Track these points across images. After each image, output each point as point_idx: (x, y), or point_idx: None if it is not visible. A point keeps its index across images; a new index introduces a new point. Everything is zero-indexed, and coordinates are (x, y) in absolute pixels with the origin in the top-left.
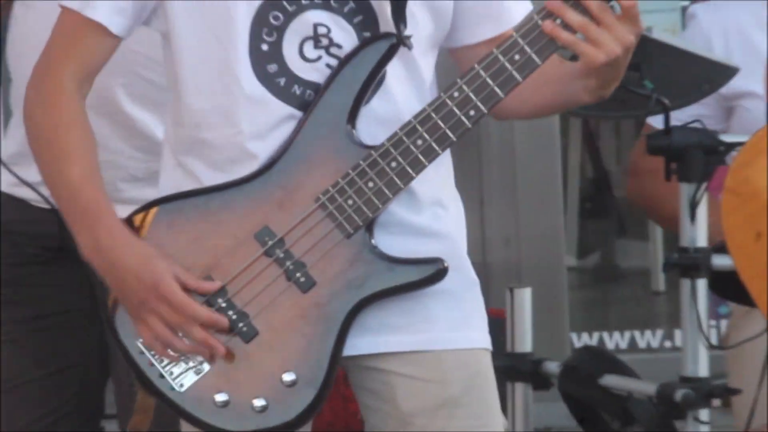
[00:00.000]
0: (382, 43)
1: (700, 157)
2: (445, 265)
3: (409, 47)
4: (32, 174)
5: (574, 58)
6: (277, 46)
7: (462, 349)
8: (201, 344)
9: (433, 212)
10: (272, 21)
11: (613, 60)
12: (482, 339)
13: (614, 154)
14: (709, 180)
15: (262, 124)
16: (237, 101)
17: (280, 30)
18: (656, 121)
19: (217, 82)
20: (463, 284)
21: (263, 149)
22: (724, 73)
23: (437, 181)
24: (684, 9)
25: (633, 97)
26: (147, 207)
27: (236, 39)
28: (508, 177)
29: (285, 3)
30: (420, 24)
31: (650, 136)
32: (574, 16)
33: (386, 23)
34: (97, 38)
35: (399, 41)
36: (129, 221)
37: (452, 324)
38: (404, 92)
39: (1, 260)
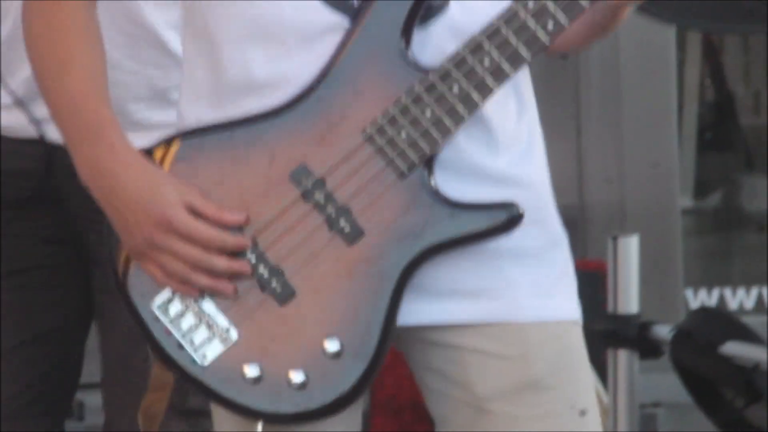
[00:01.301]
0: None
1: None
2: (520, 211)
3: None
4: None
5: None
6: None
7: (548, 320)
8: (227, 273)
9: (513, 154)
10: None
11: None
12: (572, 309)
13: (741, 72)
14: None
15: (308, 32)
16: (283, 10)
17: None
18: None
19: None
20: (548, 242)
21: (305, 64)
22: None
23: (518, 115)
24: None
25: (763, 7)
26: (168, 141)
27: None
28: (611, 101)
29: None
30: None
31: None
32: None
33: None
34: None
35: None
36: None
37: (536, 290)
38: (468, 7)
39: None
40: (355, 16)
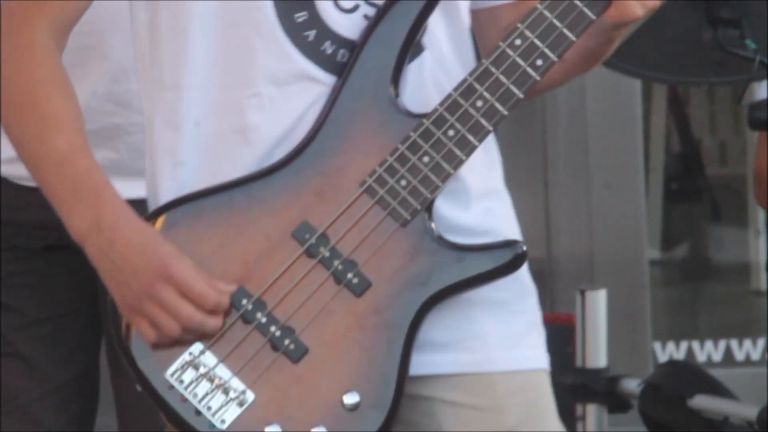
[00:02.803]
0: None
1: None
2: (524, 249)
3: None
4: None
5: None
6: None
7: (518, 370)
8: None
9: (483, 207)
10: None
11: (649, 12)
12: (541, 358)
13: (707, 122)
14: None
15: (284, 85)
16: (255, 55)
17: None
18: (760, 89)
19: (231, 30)
20: (519, 292)
21: (282, 117)
22: None
23: (486, 168)
24: None
25: (732, 60)
26: (154, 215)
27: None
28: (578, 153)
29: None
30: None
31: (753, 107)
32: None
33: None
34: None
35: None
36: None
37: (506, 341)
38: (443, 52)
39: None
40: (330, 67)
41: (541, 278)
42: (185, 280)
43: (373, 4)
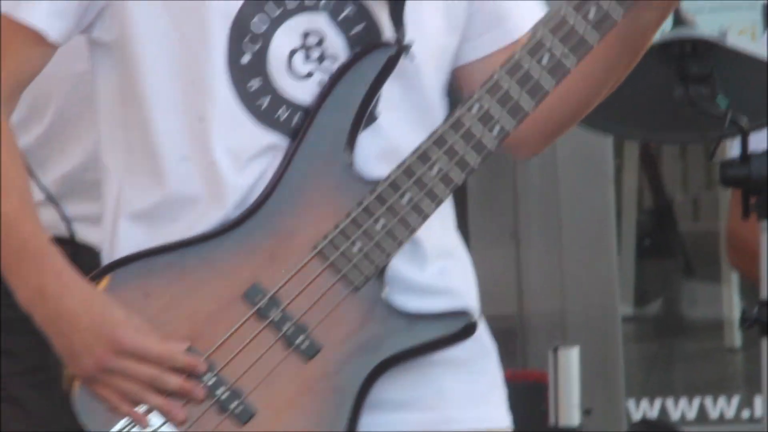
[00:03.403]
0: (379, 53)
1: None
2: (474, 319)
3: (411, 59)
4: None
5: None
6: (260, 58)
7: (481, 430)
8: (180, 393)
9: (439, 266)
10: (255, 27)
11: None
12: (504, 418)
13: (679, 179)
14: None
15: (240, 153)
16: (210, 125)
17: (266, 38)
18: (732, 146)
19: (186, 100)
20: (479, 351)
21: (239, 186)
22: None
23: (441, 226)
24: (765, 6)
25: (703, 117)
26: (101, 273)
27: (211, 48)
28: (550, 209)
29: (272, 3)
30: (429, 30)
31: (725, 164)
32: None
33: (389, 35)
34: (30, 47)
35: (399, 52)
36: None
37: (468, 400)
38: (397, 119)
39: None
40: (285, 132)
41: (513, 335)
42: (138, 347)
43: (326, 71)
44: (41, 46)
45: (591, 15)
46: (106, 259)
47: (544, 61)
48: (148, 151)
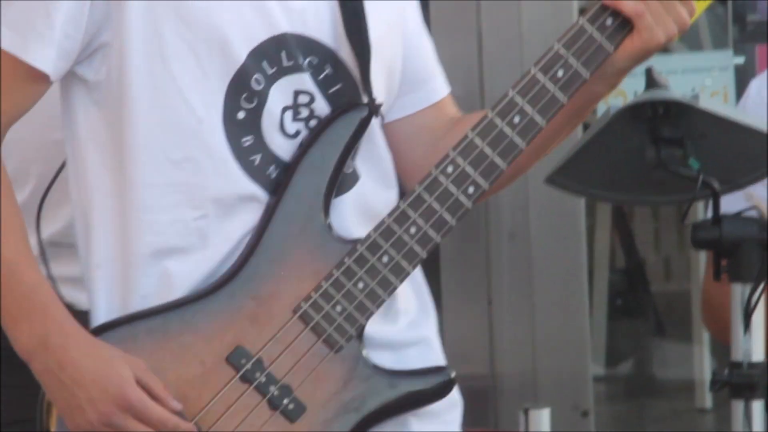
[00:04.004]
0: (353, 114)
1: (756, 253)
2: (453, 375)
3: (382, 119)
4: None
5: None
6: (255, 116)
7: None
8: None
9: (408, 317)
10: (254, 84)
11: (668, 42)
12: None
13: (651, 238)
14: (766, 280)
15: (231, 206)
16: (204, 178)
17: (261, 96)
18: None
19: (178, 152)
20: (448, 404)
21: (228, 239)
22: None
23: (411, 281)
24: (737, 67)
25: (674, 179)
26: (102, 329)
27: (209, 104)
28: (522, 269)
29: (266, 62)
30: (379, 89)
31: (696, 226)
32: None
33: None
34: (31, 85)
35: (372, 112)
36: None
37: None
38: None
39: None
40: (273, 189)
41: (484, 396)
42: (144, 408)
43: (311, 130)
44: (43, 84)
45: (559, 75)
46: (92, 320)
47: (516, 120)
48: (133, 198)
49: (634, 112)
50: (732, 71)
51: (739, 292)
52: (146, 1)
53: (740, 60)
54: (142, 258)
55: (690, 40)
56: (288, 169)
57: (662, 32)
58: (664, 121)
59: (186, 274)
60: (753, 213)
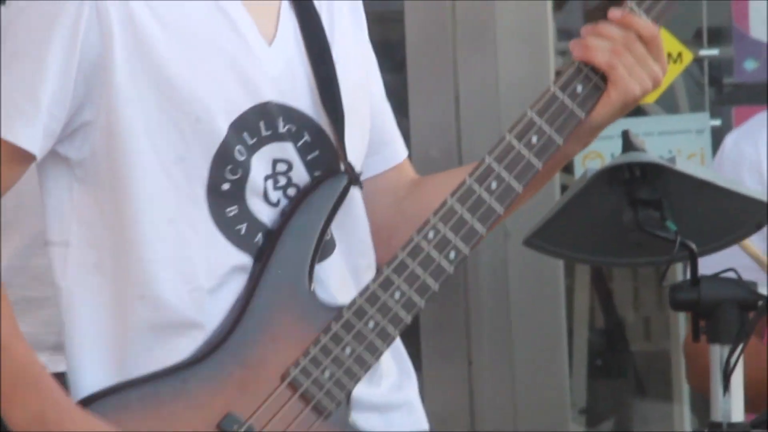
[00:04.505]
0: (334, 182)
1: (734, 314)
2: None
3: (362, 186)
4: None
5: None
6: (240, 186)
7: None
8: None
9: (391, 379)
10: (237, 155)
11: (643, 96)
12: None
13: (630, 298)
14: (744, 341)
15: (220, 276)
16: (190, 251)
17: (245, 167)
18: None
19: (167, 226)
20: None
21: (220, 308)
22: (763, 212)
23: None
24: (714, 129)
25: (652, 241)
26: (93, 399)
27: (194, 175)
28: (502, 329)
29: (247, 133)
30: (358, 156)
31: (674, 287)
32: (599, 42)
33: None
34: (17, 164)
35: (352, 180)
36: None
37: None
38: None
39: None
40: (258, 256)
41: None
42: None
43: (289, 198)
44: (27, 164)
45: (533, 141)
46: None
47: (493, 186)
48: (128, 274)
49: (612, 174)
50: (709, 133)
51: (717, 353)
52: (129, 78)
53: (717, 122)
54: (138, 333)
55: (666, 102)
56: (271, 237)
57: (637, 85)
58: (642, 183)
59: (183, 347)
60: (731, 274)
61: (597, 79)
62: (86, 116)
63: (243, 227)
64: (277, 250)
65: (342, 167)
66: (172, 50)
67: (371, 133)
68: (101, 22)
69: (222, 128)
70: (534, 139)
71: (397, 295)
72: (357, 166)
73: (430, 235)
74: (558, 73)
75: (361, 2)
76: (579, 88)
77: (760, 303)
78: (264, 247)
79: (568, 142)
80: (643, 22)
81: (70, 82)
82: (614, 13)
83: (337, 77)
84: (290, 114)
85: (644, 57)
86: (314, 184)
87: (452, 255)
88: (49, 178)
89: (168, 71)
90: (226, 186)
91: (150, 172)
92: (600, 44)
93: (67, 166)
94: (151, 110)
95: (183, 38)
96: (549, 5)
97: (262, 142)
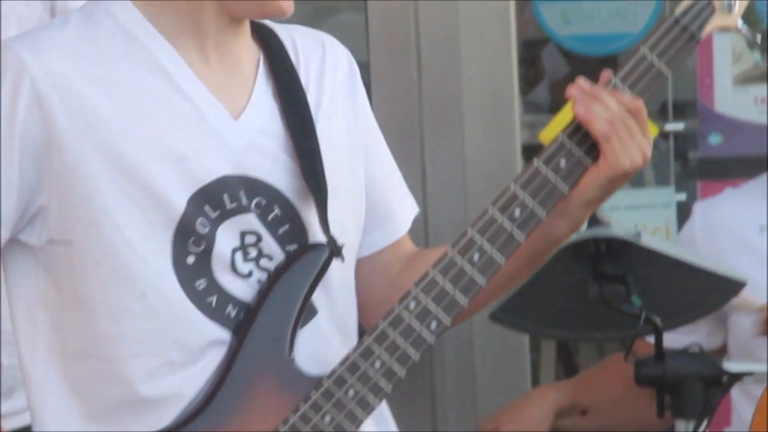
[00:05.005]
0: (316, 254)
1: (699, 389)
2: None
3: (342, 259)
4: None
5: None
6: (205, 258)
7: None
8: None
9: None
10: (199, 228)
11: (632, 172)
12: None
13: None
14: (710, 416)
15: (194, 349)
16: (165, 324)
17: (208, 239)
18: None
19: (136, 301)
20: None
21: (192, 383)
22: (728, 287)
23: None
24: (679, 204)
25: (618, 316)
26: None
27: (158, 249)
28: (466, 404)
29: (209, 206)
30: (347, 229)
31: (639, 363)
32: (600, 109)
33: (315, 235)
34: None
35: (333, 252)
36: None
37: None
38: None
39: None
40: (236, 329)
41: None
42: None
43: (264, 269)
44: None
45: (516, 214)
46: None
47: (476, 258)
48: (94, 353)
49: (577, 249)
50: (674, 208)
51: (683, 428)
52: (79, 157)
53: (682, 196)
54: (107, 410)
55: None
56: (251, 310)
57: (628, 159)
58: (607, 258)
59: (154, 421)
60: (695, 349)
61: (581, 154)
62: (41, 201)
63: (213, 300)
64: (256, 323)
65: (325, 239)
66: (124, 127)
67: (370, 209)
68: (41, 105)
69: (180, 202)
70: (517, 213)
71: (377, 364)
72: (340, 240)
73: (411, 305)
74: (540, 150)
75: (359, 76)
76: (562, 163)
77: (725, 379)
78: (243, 319)
79: (557, 219)
80: (629, 97)
81: (14, 169)
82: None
83: (320, 152)
84: (257, 187)
85: (635, 131)
86: (296, 256)
87: (433, 325)
88: (15, 265)
89: (120, 147)
90: (191, 259)
91: (112, 250)
92: (599, 111)
93: (31, 253)
94: (107, 187)
95: (135, 115)
96: (515, 80)
97: (226, 215)
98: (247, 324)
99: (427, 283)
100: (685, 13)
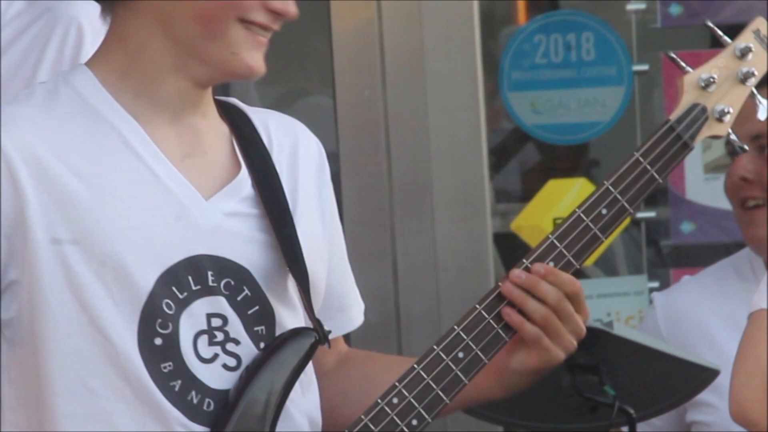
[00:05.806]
0: (301, 340)
1: None
2: None
3: (329, 345)
4: None
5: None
6: (173, 341)
7: None
8: None
9: None
10: (166, 309)
11: (567, 355)
12: None
13: None
14: None
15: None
16: (126, 406)
17: (174, 321)
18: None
19: (98, 380)
20: None
21: None
22: (702, 376)
23: None
24: (652, 292)
25: (591, 406)
26: None
27: (124, 329)
28: None
29: (175, 288)
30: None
31: None
32: (535, 305)
33: (281, 318)
34: None
35: (320, 338)
36: None
37: None
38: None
39: None
40: (208, 419)
41: None
42: None
43: (230, 354)
44: None
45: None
46: None
47: (460, 356)
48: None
49: None
50: (647, 296)
51: None
52: (46, 233)
53: (655, 284)
54: None
55: (605, 264)
56: (231, 399)
57: (561, 350)
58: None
59: None
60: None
61: (500, 327)
62: (11, 275)
63: (177, 383)
64: (237, 409)
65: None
66: (92, 205)
67: (326, 299)
68: (14, 180)
69: (148, 282)
70: (461, 355)
71: None
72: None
73: (395, 400)
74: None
75: (327, 167)
76: (488, 332)
77: None
78: (220, 414)
79: (494, 385)
80: (566, 278)
81: None
82: (537, 268)
83: (298, 238)
84: (225, 268)
85: (570, 315)
86: (278, 344)
87: (414, 422)
88: None
89: (87, 226)
90: (158, 341)
91: (77, 328)
92: (534, 308)
93: (10, 328)
94: (74, 265)
95: (102, 193)
96: (486, 169)
97: (192, 297)
98: (227, 413)
99: (411, 379)
100: (679, 121)
